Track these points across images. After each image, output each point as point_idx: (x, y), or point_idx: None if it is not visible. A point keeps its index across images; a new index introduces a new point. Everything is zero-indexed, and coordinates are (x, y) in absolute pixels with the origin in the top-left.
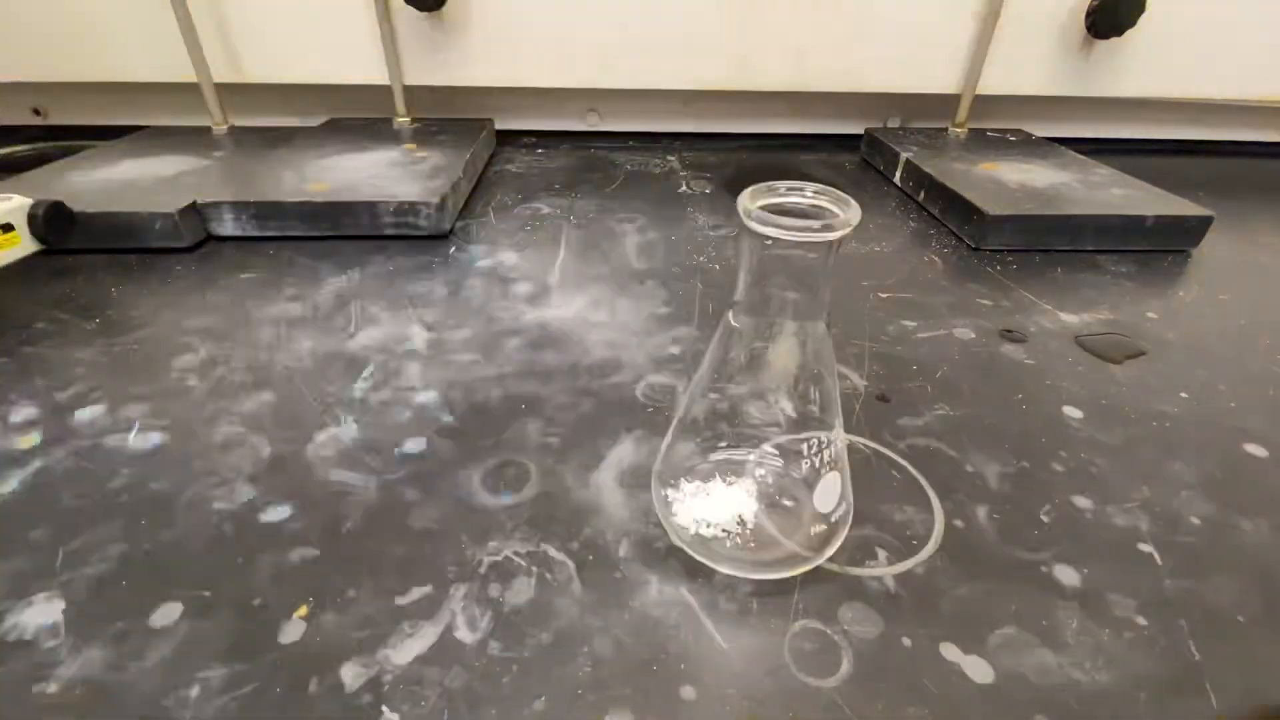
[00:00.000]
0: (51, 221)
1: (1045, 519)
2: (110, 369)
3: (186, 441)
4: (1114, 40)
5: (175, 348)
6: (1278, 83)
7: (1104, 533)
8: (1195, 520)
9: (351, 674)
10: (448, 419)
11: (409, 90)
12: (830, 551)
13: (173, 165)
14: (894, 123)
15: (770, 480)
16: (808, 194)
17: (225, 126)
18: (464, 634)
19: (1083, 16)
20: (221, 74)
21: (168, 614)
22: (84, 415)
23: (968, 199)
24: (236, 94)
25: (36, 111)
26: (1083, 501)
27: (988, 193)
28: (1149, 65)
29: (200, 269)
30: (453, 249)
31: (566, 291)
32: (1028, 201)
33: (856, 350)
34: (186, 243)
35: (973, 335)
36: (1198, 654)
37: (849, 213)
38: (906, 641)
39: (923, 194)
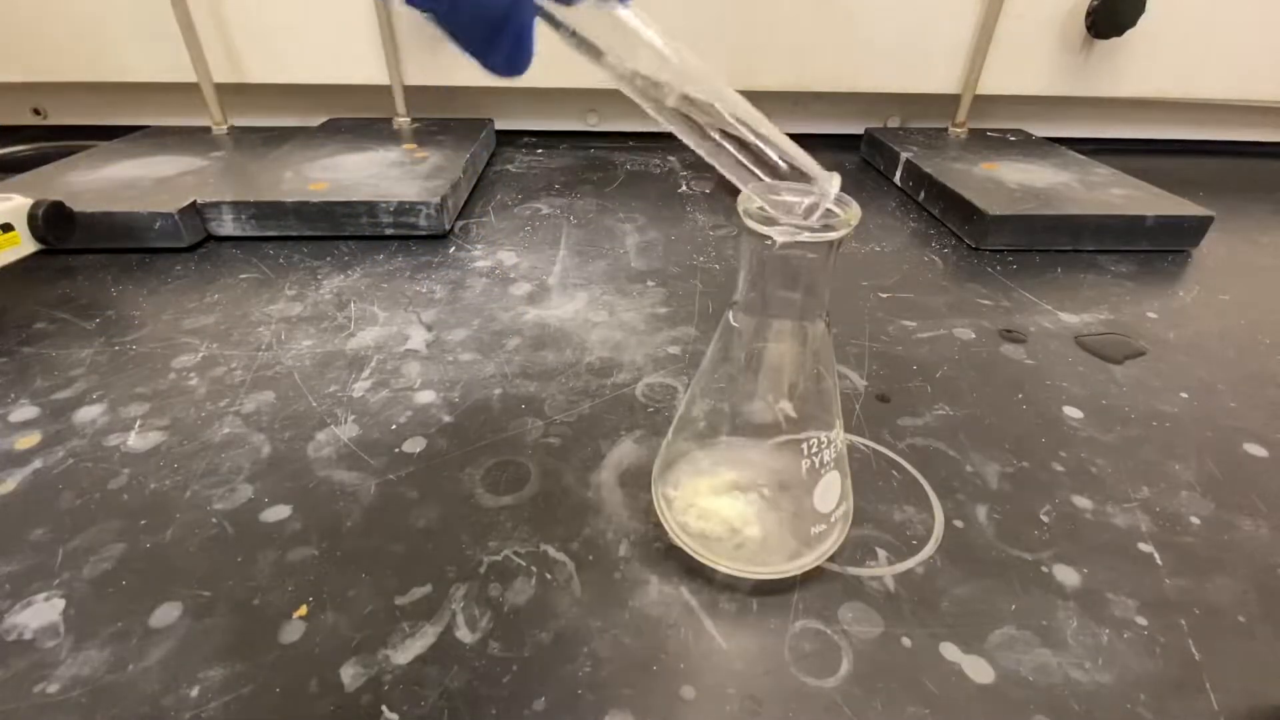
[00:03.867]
0: (51, 221)
1: (1045, 519)
2: (110, 369)
3: (186, 441)
4: (1114, 40)
5: (175, 347)
6: (1278, 83)
7: (1104, 533)
8: (1195, 520)
9: (351, 674)
10: (447, 419)
11: (409, 90)
12: (830, 551)
13: (172, 165)
14: (894, 123)
15: (770, 480)
16: (808, 194)
17: (225, 126)
18: (464, 634)
19: (1083, 16)
20: (221, 74)
21: (167, 614)
22: (84, 415)
23: (968, 199)
24: (236, 94)
25: (36, 111)
26: (1083, 501)
27: (988, 193)
28: (1149, 65)
29: (200, 269)
30: (452, 249)
31: (566, 291)
32: (1028, 201)
33: (856, 350)
34: (186, 243)
35: (973, 335)
36: (1198, 654)
37: (849, 213)
38: (906, 641)
39: (923, 194)
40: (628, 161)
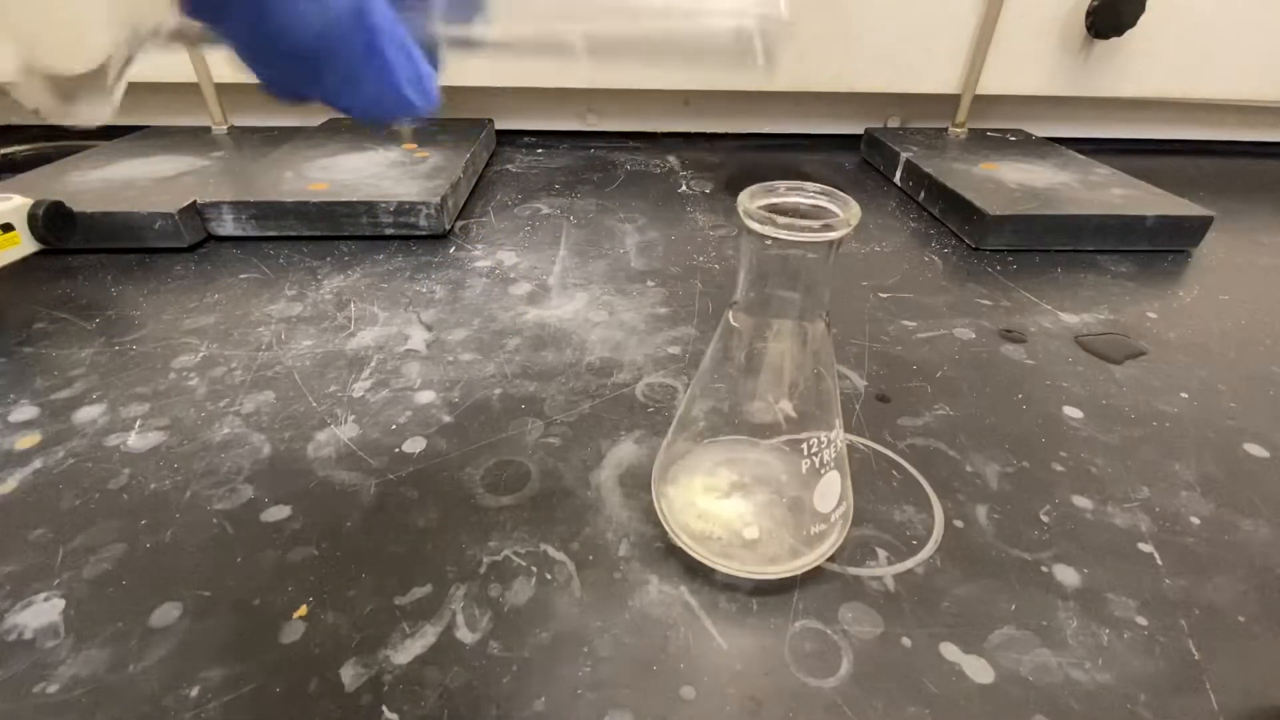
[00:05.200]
0: (51, 221)
1: (1045, 519)
2: (110, 369)
3: (186, 441)
4: (1114, 40)
5: (175, 347)
6: (1278, 83)
7: (1104, 533)
8: (1195, 520)
9: (351, 674)
10: (447, 419)
11: None
12: (830, 551)
13: (173, 165)
14: (894, 123)
15: (770, 480)
16: (808, 194)
17: (225, 126)
18: (464, 634)
19: (1083, 16)
20: (221, 74)
21: (167, 614)
22: (84, 415)
23: (968, 199)
24: (236, 94)
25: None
26: (1083, 501)
27: (988, 193)
28: (1149, 65)
29: (200, 269)
30: (452, 249)
31: (566, 291)
32: (1028, 201)
33: (856, 350)
34: (186, 243)
35: (973, 335)
36: (1198, 654)
37: (849, 213)
38: (906, 641)
39: (923, 194)
40: (628, 161)
